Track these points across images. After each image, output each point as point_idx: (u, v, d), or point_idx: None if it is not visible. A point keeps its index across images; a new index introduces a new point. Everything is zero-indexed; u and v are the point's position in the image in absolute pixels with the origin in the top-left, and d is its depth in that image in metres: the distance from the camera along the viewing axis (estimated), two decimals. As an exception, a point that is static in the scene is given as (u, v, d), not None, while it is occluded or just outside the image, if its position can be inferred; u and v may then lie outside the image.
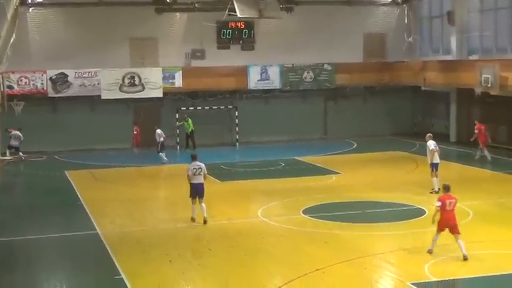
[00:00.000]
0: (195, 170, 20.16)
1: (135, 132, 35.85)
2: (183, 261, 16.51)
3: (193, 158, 20.55)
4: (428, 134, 24.75)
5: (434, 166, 24.10)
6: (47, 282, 15.46)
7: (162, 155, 32.44)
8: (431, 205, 21.50)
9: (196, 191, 20.22)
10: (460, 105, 38.61)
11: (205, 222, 20.00)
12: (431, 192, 23.62)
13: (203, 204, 20.20)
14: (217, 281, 14.95)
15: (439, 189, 23.52)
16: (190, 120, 37.62)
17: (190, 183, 20.28)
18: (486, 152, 30.77)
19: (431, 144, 24.15)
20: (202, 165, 20.28)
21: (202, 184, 20.23)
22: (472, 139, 31.72)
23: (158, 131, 32.86)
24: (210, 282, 14.92)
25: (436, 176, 23.95)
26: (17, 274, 15.95)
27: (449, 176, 28.05)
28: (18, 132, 33.44)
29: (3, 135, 32.47)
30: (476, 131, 31.24)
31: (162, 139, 32.59)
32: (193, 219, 20.31)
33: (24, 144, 33.87)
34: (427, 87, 38.71)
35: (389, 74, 41.08)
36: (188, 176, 20.25)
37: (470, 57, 36.93)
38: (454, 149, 35.96)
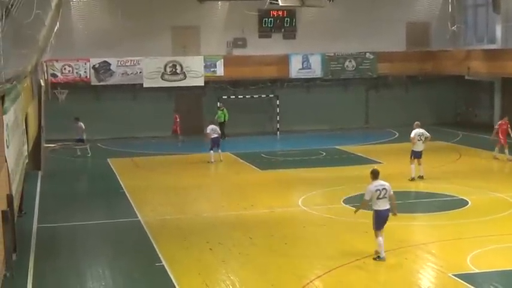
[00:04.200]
0: (378, 192, 15.15)
1: (177, 120, 35.68)
2: (223, 250, 16.57)
3: (375, 175, 15.45)
4: (416, 122, 24.94)
5: (414, 154, 24.41)
6: (89, 268, 15.65)
7: (212, 152, 29.79)
8: (473, 196, 21.40)
9: (384, 221, 15.37)
10: (504, 95, 38.04)
11: (377, 258, 15.25)
12: (409, 180, 24.29)
13: (383, 238, 15.43)
14: (258, 270, 14.97)
15: (419, 177, 24.44)
16: (225, 110, 37.73)
17: (374, 211, 15.34)
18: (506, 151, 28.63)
19: (413, 132, 24.45)
20: (387, 185, 15.31)
21: (389, 210, 15.40)
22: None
23: (210, 126, 30.26)
24: (250, 271, 14.95)
25: (419, 164, 24.41)
26: (61, 259, 16.17)
27: (492, 167, 27.81)
28: (81, 124, 32.20)
29: (50, 123, 32.72)
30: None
31: (215, 135, 29.81)
32: (378, 257, 15.22)
33: (67, 132, 33.94)
34: (470, 77, 38.18)
35: (432, 63, 40.64)
36: (365, 200, 15.47)
37: (516, 46, 36.37)
38: (497, 139, 35.39)
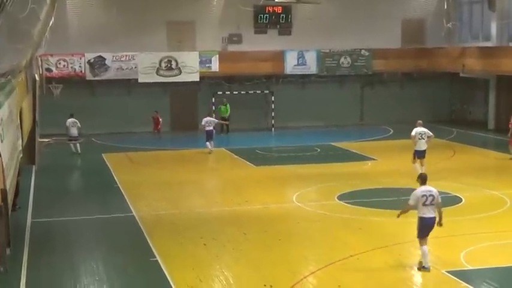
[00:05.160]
0: (425, 198, 14.14)
1: (160, 119, 36.07)
2: (217, 245, 16.59)
3: (423, 180, 14.58)
4: (418, 121, 24.44)
5: (417, 153, 23.78)
6: (83, 263, 15.66)
7: (208, 144, 30.87)
8: (467, 193, 21.45)
9: (428, 229, 14.32)
10: (499, 92, 38.10)
11: (422, 268, 14.34)
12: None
13: (427, 247, 14.48)
14: (251, 265, 15.00)
15: None
16: (228, 105, 37.89)
17: (419, 217, 14.31)
18: None
19: (414, 130, 23.87)
20: (435, 191, 14.34)
21: (435, 219, 14.30)
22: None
23: (206, 118, 31.30)
24: (244, 266, 14.98)
25: (421, 164, 23.56)
26: (55, 254, 16.18)
27: (486, 164, 27.86)
28: (74, 119, 31.47)
29: (45, 118, 32.63)
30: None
31: (210, 128, 30.78)
32: (423, 267, 14.31)
33: (62, 127, 33.67)
34: (465, 74, 38.23)
35: (428, 60, 40.68)
36: (409, 205, 14.42)
37: (511, 44, 36.40)
38: (492, 136, 35.56)
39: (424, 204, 14.09)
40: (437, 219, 14.23)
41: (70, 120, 31.36)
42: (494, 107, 38.18)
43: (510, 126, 28.24)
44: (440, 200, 14.30)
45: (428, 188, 14.27)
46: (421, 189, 14.25)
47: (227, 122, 37.07)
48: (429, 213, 14.14)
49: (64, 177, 27.35)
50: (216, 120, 32.61)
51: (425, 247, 14.22)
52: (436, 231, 14.06)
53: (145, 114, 37.31)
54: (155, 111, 36.35)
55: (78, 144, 31.44)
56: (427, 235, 14.29)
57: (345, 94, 41.16)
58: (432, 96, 41.73)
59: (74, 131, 31.41)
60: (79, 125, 31.40)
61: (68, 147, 31.63)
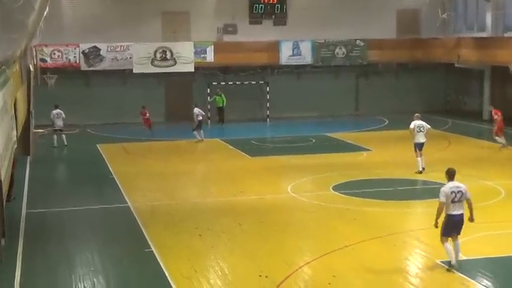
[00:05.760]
0: (454, 194, 13.58)
1: (147, 116, 34.43)
2: (212, 236, 16.60)
3: (451, 175, 13.92)
4: (415, 114, 24.38)
5: (417, 146, 23.75)
6: (78, 254, 15.65)
7: (196, 133, 31.26)
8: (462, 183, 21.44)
9: (455, 226, 13.78)
10: (494, 83, 38.12)
11: (450, 268, 13.67)
12: (416, 172, 23.48)
13: (458, 242, 13.95)
14: (246, 256, 15.01)
15: (423, 169, 23.58)
16: (223, 95, 37.91)
17: (447, 215, 13.71)
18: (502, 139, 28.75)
19: (412, 123, 23.84)
20: (464, 187, 13.76)
21: (463, 215, 13.78)
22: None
23: (196, 109, 31.37)
24: (239, 257, 14.99)
25: (420, 156, 23.62)
26: (50, 245, 16.16)
27: (481, 154, 27.91)
28: (59, 110, 31.13)
29: (40, 109, 32.57)
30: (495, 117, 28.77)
31: (200, 118, 31.12)
32: (452, 266, 13.67)
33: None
34: (460, 65, 38.22)
35: (423, 51, 40.68)
36: (441, 203, 13.66)
37: (506, 34, 36.36)
38: (487, 127, 35.56)
39: (452, 201, 13.53)
40: (467, 214, 13.80)
41: (55, 111, 31.01)
42: (489, 97, 38.21)
43: (494, 116, 28.67)
44: (469, 196, 13.73)
45: (456, 184, 13.70)
46: (449, 186, 13.67)
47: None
48: (458, 210, 13.62)
49: (59, 167, 27.31)
50: (203, 113, 32.31)
51: (447, 245, 13.72)
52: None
53: (141, 104, 37.21)
54: (142, 106, 34.80)
55: (64, 136, 31.13)
56: (456, 233, 13.77)
57: (340, 84, 41.14)
58: (427, 86, 41.74)
59: (60, 122, 31.02)
60: (64, 116, 31.01)
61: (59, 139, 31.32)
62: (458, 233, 13.80)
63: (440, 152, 28.19)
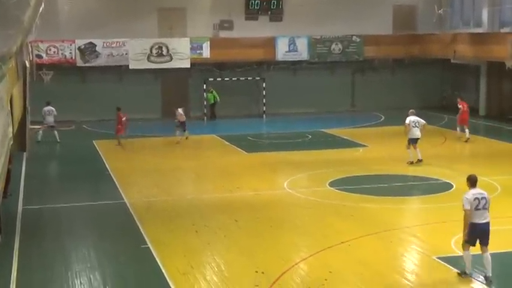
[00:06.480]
0: (477, 201, 12.89)
1: (124, 119, 30.02)
2: (208, 232, 16.61)
3: (472, 182, 13.21)
4: (410, 110, 24.91)
5: (412, 141, 24.20)
6: (75, 250, 15.64)
7: (179, 133, 30.35)
8: (458, 179, 21.48)
9: (481, 234, 13.03)
10: (490, 78, 38.15)
11: (463, 274, 13.24)
12: (408, 163, 24.09)
13: (488, 255, 13.08)
14: (243, 252, 15.02)
15: (420, 160, 24.09)
16: (214, 92, 38.08)
17: (471, 223, 12.91)
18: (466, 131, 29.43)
19: (407, 119, 24.28)
20: (486, 194, 13.18)
21: (488, 225, 13.10)
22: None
23: (180, 110, 30.39)
24: (236, 253, 15.00)
25: (415, 148, 24.23)
26: (47, 241, 16.16)
27: (477, 150, 27.96)
28: (50, 107, 30.99)
29: (35, 105, 32.48)
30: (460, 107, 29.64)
31: (184, 119, 30.23)
32: (464, 273, 13.25)
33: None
34: (456, 60, 38.24)
35: (419, 47, 40.69)
36: (466, 210, 12.88)
37: (502, 30, 36.39)
38: (483, 123, 35.66)
39: (476, 209, 12.83)
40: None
41: (46, 108, 30.91)
42: (485, 93, 38.25)
43: (459, 106, 29.61)
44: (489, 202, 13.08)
45: (479, 191, 13.04)
46: (472, 193, 12.96)
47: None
48: (482, 218, 12.92)
49: (55, 164, 27.26)
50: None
51: (468, 252, 13.06)
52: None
53: (137, 100, 37.19)
54: (117, 107, 30.48)
55: (56, 132, 30.95)
56: (483, 243, 13.03)
57: (336, 80, 41.13)
58: (423, 82, 41.75)
59: (51, 119, 30.95)
60: (55, 113, 30.92)
61: (60, 134, 31.24)
62: (486, 244, 13.03)
63: (436, 147, 28.23)
